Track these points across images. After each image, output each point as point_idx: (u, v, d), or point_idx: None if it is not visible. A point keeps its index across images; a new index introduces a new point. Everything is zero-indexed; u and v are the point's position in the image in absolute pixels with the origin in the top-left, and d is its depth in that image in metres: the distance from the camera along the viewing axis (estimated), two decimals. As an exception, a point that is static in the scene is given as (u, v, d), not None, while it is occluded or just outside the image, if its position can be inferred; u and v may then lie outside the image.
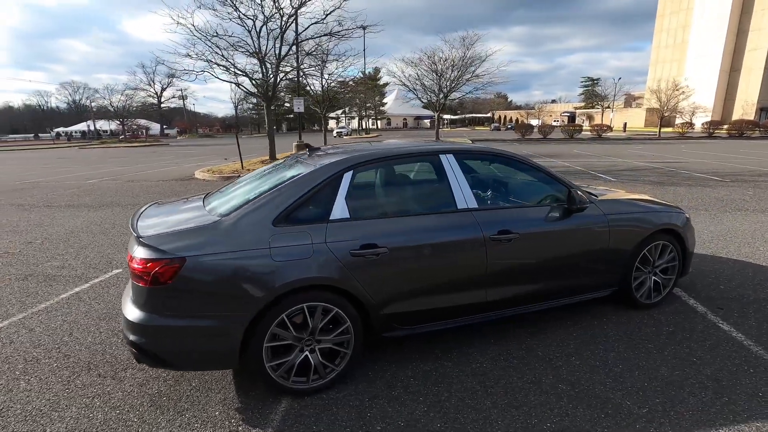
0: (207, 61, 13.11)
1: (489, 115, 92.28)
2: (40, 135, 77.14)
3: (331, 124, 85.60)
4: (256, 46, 13.25)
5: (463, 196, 2.80)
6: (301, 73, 17.40)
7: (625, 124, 48.27)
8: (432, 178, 2.88)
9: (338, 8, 13.64)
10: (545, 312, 3.31)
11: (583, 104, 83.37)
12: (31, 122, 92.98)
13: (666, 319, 3.33)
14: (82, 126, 75.86)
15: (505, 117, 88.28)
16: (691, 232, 3.61)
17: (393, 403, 2.41)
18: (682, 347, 2.91)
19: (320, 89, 24.29)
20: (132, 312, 2.26)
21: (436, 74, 30.74)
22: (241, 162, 13.61)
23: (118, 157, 24.95)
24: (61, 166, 19.81)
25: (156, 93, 71.74)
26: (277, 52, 13.46)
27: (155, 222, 2.62)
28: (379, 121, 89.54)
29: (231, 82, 13.84)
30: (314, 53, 15.54)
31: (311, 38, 14.94)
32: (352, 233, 2.47)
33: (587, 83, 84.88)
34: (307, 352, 2.45)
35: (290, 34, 13.59)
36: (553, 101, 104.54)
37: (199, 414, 2.36)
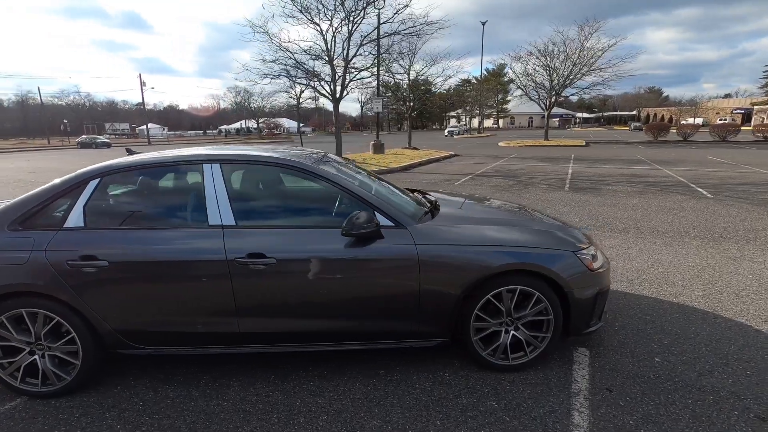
0: (285, 65, 14.15)
1: (634, 113, 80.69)
2: (207, 131, 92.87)
3: (452, 122, 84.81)
4: (327, 49, 13.82)
5: (218, 210, 2.50)
6: (381, 73, 17.60)
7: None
8: (191, 189, 2.63)
9: (407, 6, 13.38)
10: (360, 353, 2.79)
11: (766, 98, 67.01)
12: (204, 121, 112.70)
13: (509, 391, 2.50)
14: (236, 124, 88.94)
15: (654, 115, 75.98)
16: (591, 278, 2.63)
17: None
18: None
19: (416, 89, 24.22)
20: None
21: (547, 69, 28.03)
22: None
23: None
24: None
25: (296, 95, 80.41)
26: (345, 54, 13.85)
27: None
28: (501, 120, 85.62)
29: (307, 85, 14.74)
30: (389, 52, 15.56)
31: (386, 36, 14.99)
32: (78, 243, 2.42)
33: (774, 72, 67.80)
34: (36, 357, 2.49)
35: (357, 36, 13.84)
36: (727, 96, 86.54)
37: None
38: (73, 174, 2.59)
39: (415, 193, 3.64)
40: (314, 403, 2.43)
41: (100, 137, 47.97)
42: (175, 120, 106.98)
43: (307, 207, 2.76)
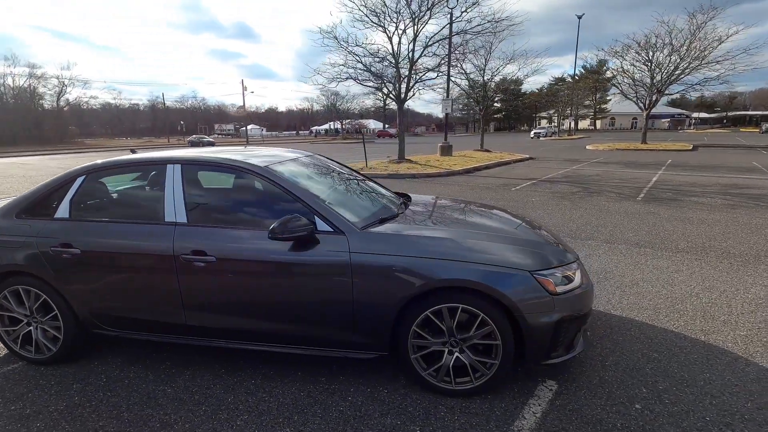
0: (353, 68, 14.56)
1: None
2: (299, 132, 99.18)
3: (543, 123, 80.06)
4: (393, 51, 13.92)
5: (174, 208, 2.66)
6: (454, 74, 17.25)
7: None
8: (155, 188, 2.82)
9: (476, 3, 12.94)
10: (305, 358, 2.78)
11: None
12: (298, 122, 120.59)
13: (440, 417, 2.30)
14: (326, 126, 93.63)
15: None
16: (552, 303, 2.31)
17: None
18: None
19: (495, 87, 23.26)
20: None
21: (648, 64, 25.16)
22: (366, 161, 14.66)
23: (309, 151, 30.02)
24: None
25: (383, 97, 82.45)
26: (411, 55, 13.80)
27: None
28: (598, 121, 78.76)
29: (374, 87, 15.00)
30: (461, 52, 15.17)
31: (456, 34, 14.67)
32: (60, 232, 2.75)
33: None
34: (31, 328, 2.88)
35: (423, 37, 13.69)
36: None
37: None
38: (67, 171, 2.94)
39: (402, 199, 3.51)
40: (244, 401, 2.48)
41: (206, 137, 53.92)
42: (274, 121, 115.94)
43: (254, 209, 2.80)
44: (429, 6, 13.13)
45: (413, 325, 2.40)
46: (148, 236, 2.64)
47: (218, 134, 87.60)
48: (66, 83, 62.61)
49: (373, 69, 14.31)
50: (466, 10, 13.45)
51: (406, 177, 12.88)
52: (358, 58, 14.12)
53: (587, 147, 27.45)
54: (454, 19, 14.36)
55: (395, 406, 2.41)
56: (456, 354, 2.42)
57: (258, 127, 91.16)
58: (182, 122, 70.57)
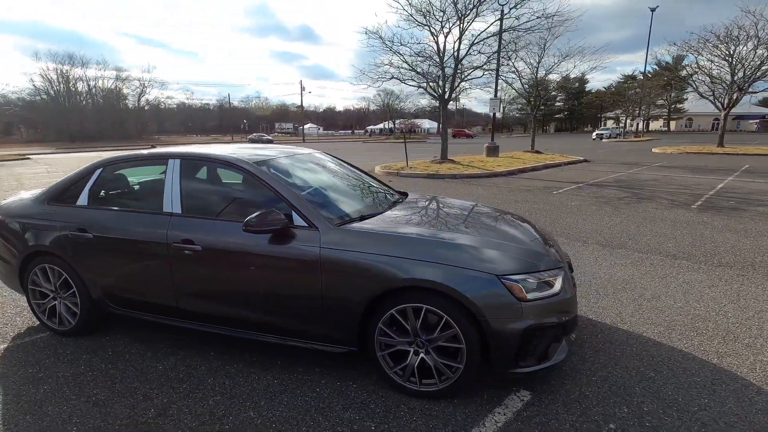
0: (397, 67, 14.61)
1: None
2: (354, 131, 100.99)
3: (609, 123, 75.26)
4: (438, 49, 13.77)
5: (171, 200, 2.87)
6: (506, 72, 16.76)
7: None
8: (159, 180, 3.04)
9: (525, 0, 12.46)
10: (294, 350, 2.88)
11: None
12: (354, 121, 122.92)
13: (399, 416, 2.30)
14: (381, 125, 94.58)
15: None
16: (520, 309, 2.23)
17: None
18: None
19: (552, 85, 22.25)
20: None
21: (728, 59, 22.89)
22: (407, 161, 14.64)
23: (358, 150, 30.36)
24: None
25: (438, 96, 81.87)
26: (456, 54, 13.58)
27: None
28: (673, 122, 72.68)
29: (416, 86, 14.94)
30: (513, 50, 14.71)
31: (506, 30, 14.24)
32: (78, 218, 3.07)
33: None
34: (56, 303, 3.24)
35: (468, 36, 13.42)
36: None
37: None
38: (89, 164, 3.27)
39: (398, 196, 3.51)
40: (221, 383, 2.63)
41: (265, 135, 56.66)
42: (331, 120, 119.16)
43: (240, 202, 2.93)
44: (475, 4, 12.86)
45: (379, 322, 2.41)
46: (148, 225, 2.88)
47: (278, 132, 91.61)
48: (146, 85, 68.68)
49: (417, 68, 14.27)
50: (515, 6, 13.01)
51: (446, 177, 12.72)
52: (402, 57, 14.16)
53: (653, 150, 25.44)
54: (503, 15, 13.95)
55: (359, 401, 2.44)
56: (421, 355, 2.40)
57: (315, 126, 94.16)
58: (245, 121, 74.63)
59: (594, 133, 47.33)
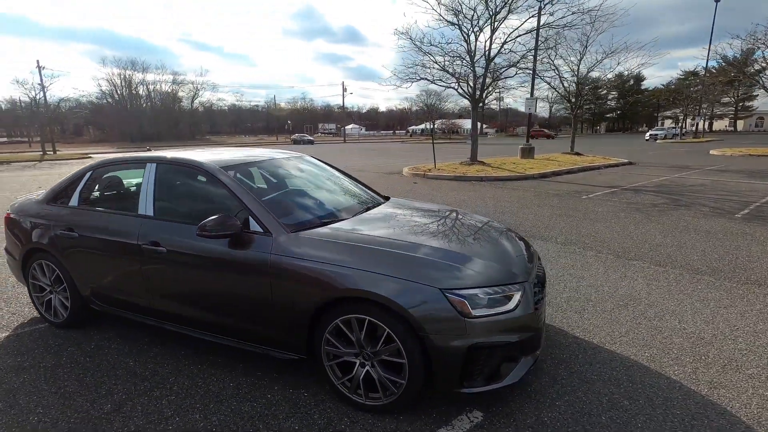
0: (428, 67, 14.45)
1: None
2: (396, 132, 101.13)
3: (667, 123, 70.45)
4: (469, 49, 13.46)
5: (145, 203, 2.97)
6: (546, 70, 16.14)
7: None
8: (137, 183, 3.16)
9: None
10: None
11: None
12: (396, 122, 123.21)
13: (335, 430, 2.24)
14: (422, 126, 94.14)
15: None
16: (464, 325, 2.10)
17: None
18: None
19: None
20: None
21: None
22: (434, 162, 14.41)
23: (393, 150, 30.24)
24: (341, 155, 26.25)
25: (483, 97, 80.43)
26: (487, 53, 13.19)
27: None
28: (741, 121, 66.95)
29: (444, 86, 14.67)
30: (546, 43, 14.13)
31: (544, 27, 13.69)
32: (67, 218, 3.25)
33: None
34: (52, 296, 3.45)
35: (500, 35, 12.98)
36: None
37: None
38: (81, 167, 3.47)
39: (374, 202, 3.44)
40: (181, 384, 2.68)
41: (306, 135, 58.03)
42: (374, 120, 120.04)
43: (205, 206, 2.95)
44: (507, 1, 12.42)
45: (326, 332, 2.37)
46: (124, 226, 3.00)
47: (321, 133, 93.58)
48: (198, 87, 72.48)
49: (448, 69, 14.01)
50: (550, 2, 12.44)
51: (472, 180, 12.41)
52: (432, 57, 13.97)
53: (711, 152, 23.53)
54: (541, 11, 13.40)
55: (304, 411, 2.40)
56: (367, 367, 2.33)
57: (357, 126, 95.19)
58: (289, 122, 76.84)
59: (648, 134, 44.44)
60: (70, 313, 3.36)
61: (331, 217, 2.89)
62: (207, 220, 2.48)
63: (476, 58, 13.48)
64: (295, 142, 51.66)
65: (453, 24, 13.35)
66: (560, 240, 5.87)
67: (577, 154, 19.72)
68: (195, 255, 2.69)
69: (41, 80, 35.13)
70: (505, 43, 13.29)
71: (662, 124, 72.68)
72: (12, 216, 3.61)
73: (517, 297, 2.27)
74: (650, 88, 77.64)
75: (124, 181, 3.49)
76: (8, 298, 4.07)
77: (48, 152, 32.64)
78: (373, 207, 3.27)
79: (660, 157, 21.00)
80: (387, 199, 3.63)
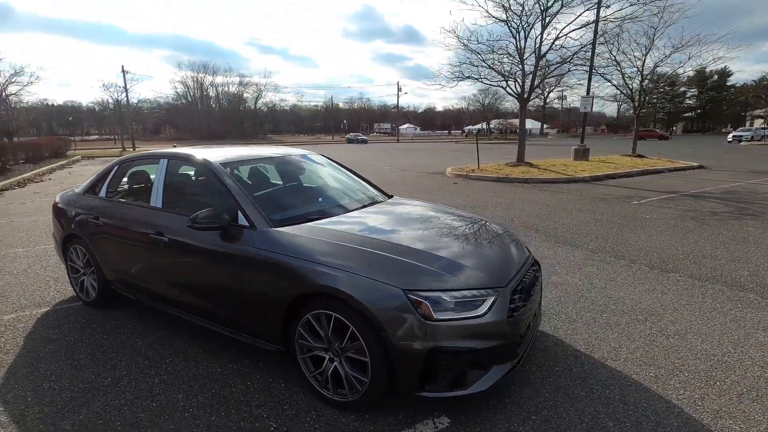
0: (475, 65, 14.13)
1: None
2: (451, 132, 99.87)
3: (757, 123, 63.26)
4: (518, 46, 12.98)
5: (156, 195, 3.21)
6: (604, 67, 15.19)
7: None
8: (152, 177, 3.40)
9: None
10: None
11: None
12: (452, 121, 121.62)
13: (302, 422, 2.30)
14: (478, 125, 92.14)
15: None
16: (425, 328, 2.07)
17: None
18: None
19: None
20: None
21: None
22: (478, 163, 14.03)
23: (443, 150, 29.73)
24: (387, 154, 26.24)
25: (544, 96, 77.15)
26: (537, 51, 12.63)
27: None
28: None
29: (493, 85, 14.24)
30: (604, 36, 13.26)
31: (604, 21, 12.89)
32: (97, 206, 3.60)
33: None
34: (85, 277, 3.84)
35: (552, 31, 12.35)
36: None
37: None
38: (112, 161, 3.81)
39: (373, 200, 3.45)
40: (175, 365, 2.87)
41: (360, 135, 58.87)
42: (430, 120, 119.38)
43: (205, 199, 3.12)
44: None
45: (298, 325, 2.43)
46: (137, 215, 3.27)
47: (377, 132, 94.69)
48: (262, 89, 76.30)
49: (495, 66, 13.59)
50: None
51: (515, 182, 11.95)
52: (480, 56, 13.60)
53: (804, 155, 20.82)
54: (597, 4, 12.60)
55: (276, 400, 2.48)
56: (335, 363, 2.36)
57: (411, 126, 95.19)
58: (345, 121, 78.55)
59: (731, 135, 40.13)
60: (98, 294, 3.72)
61: (321, 213, 2.94)
62: (198, 213, 2.63)
63: (526, 56, 12.97)
64: (350, 141, 52.67)
65: (501, 21, 12.94)
66: (591, 247, 5.52)
67: (639, 156, 18.29)
68: (192, 245, 2.86)
69: (125, 83, 38.83)
70: (557, 38, 12.67)
71: (751, 124, 65.35)
72: (59, 204, 4.06)
73: (488, 303, 2.18)
74: (738, 84, 70.19)
75: (150, 176, 3.79)
76: (58, 278, 4.57)
77: (128, 149, 35.99)
78: (370, 205, 3.29)
79: (738, 160, 18.94)
80: (390, 197, 3.63)
